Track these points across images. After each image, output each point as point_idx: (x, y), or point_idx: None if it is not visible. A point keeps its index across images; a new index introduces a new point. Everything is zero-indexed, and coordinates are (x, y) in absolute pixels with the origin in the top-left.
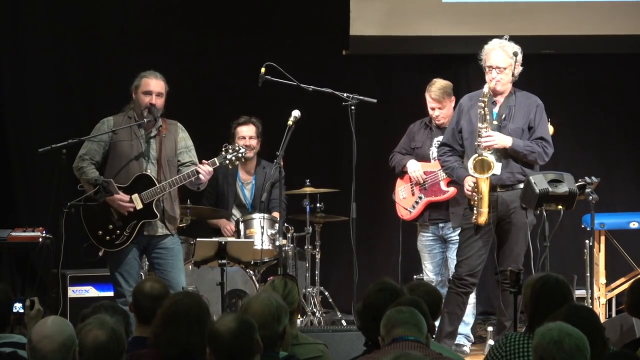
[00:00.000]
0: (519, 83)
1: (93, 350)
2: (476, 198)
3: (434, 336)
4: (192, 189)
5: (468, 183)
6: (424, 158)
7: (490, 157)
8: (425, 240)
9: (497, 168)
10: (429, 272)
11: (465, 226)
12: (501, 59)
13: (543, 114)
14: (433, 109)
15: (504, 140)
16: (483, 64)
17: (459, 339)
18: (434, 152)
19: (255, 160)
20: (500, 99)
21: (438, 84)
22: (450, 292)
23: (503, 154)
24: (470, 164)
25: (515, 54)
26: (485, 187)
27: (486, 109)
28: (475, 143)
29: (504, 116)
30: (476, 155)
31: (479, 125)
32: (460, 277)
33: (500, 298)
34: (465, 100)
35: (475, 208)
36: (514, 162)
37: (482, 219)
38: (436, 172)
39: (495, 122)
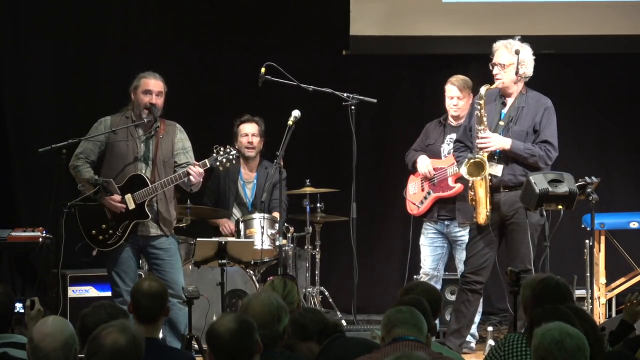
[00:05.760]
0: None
1: (110, 353)
2: (475, 199)
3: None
4: (187, 191)
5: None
6: (435, 155)
7: (481, 158)
8: (428, 233)
9: (497, 169)
10: (425, 265)
11: (471, 225)
12: (502, 56)
13: (551, 117)
14: (452, 97)
15: (502, 142)
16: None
17: None
18: (445, 149)
19: (258, 159)
20: (509, 100)
21: (460, 76)
22: (458, 289)
23: (505, 155)
24: (464, 169)
25: (517, 52)
26: (480, 189)
27: (482, 110)
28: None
29: (511, 117)
30: (467, 159)
31: (476, 127)
32: (463, 274)
33: (508, 299)
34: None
35: (474, 208)
36: (517, 164)
37: (481, 218)
38: (445, 169)
39: (501, 123)
